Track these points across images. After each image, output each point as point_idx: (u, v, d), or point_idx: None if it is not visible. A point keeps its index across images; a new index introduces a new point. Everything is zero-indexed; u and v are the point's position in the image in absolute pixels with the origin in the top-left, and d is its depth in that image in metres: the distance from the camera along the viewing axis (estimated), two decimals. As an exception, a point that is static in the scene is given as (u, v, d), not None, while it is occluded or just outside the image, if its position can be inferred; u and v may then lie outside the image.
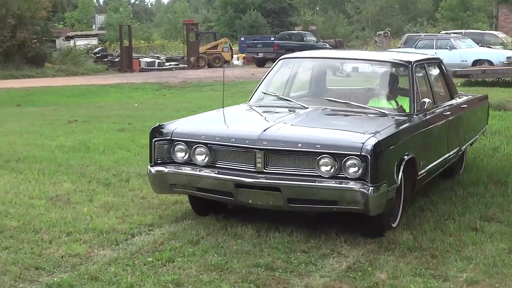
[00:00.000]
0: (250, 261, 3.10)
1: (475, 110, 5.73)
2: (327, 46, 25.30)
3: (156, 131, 3.79)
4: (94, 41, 29.65)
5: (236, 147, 3.57)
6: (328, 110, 4.24)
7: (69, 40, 27.98)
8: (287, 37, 26.75)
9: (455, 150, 4.81)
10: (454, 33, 21.01)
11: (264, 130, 3.56)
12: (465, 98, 5.52)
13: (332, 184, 3.34)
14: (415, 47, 17.24)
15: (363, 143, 3.29)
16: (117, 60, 24.47)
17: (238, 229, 3.58)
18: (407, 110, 4.23)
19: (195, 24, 27.49)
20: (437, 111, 4.53)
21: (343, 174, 3.34)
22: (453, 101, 5.06)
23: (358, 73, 5.26)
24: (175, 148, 3.69)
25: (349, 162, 3.32)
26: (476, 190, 4.73)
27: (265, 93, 4.66)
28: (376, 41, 29.52)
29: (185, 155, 3.68)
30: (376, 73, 4.97)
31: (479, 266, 3.15)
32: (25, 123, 8.57)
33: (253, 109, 4.56)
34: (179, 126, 3.84)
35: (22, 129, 7.84)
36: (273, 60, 21.70)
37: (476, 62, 16.45)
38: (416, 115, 4.14)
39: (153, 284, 2.82)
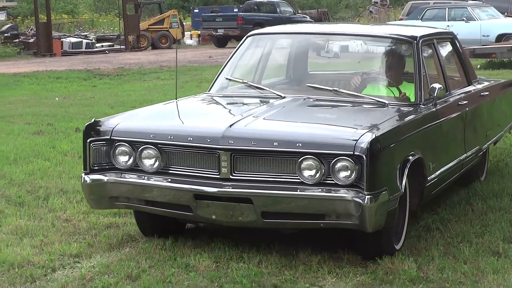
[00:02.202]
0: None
1: (499, 99, 5.78)
2: (308, 18, 27.44)
3: (92, 129, 3.81)
4: (1, 17, 30.60)
5: (195, 148, 3.60)
6: (311, 100, 4.29)
7: None
8: (255, 8, 28.63)
9: (474, 150, 4.88)
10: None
11: (230, 126, 3.58)
12: (486, 84, 5.60)
13: (317, 192, 3.36)
14: (421, 19, 18.73)
15: (357, 140, 3.29)
16: (32, 41, 24.85)
17: (191, 258, 3.58)
18: (412, 99, 4.31)
19: None
20: (451, 99, 4.61)
21: (332, 180, 3.36)
22: (471, 88, 5.15)
23: (349, 53, 5.37)
24: (117, 151, 3.73)
25: (339, 165, 3.33)
26: (499, 203, 4.74)
27: (229, 79, 4.73)
28: (371, 11, 31.25)
29: (129, 159, 3.72)
30: (371, 53, 5.10)
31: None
32: None
33: (215, 100, 4.65)
34: (121, 122, 3.87)
35: None
36: (238, 38, 23.72)
37: (501, 37, 17.33)
38: (423, 104, 4.20)
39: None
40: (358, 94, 4.33)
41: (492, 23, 18.12)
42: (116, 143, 3.74)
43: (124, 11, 25.93)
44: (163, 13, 28.54)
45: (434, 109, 4.23)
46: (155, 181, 3.68)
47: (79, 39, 25.93)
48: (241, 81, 4.67)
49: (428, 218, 4.38)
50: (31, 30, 27.05)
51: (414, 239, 4.07)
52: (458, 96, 4.81)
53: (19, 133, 7.66)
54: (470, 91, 5.10)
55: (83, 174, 3.80)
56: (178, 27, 27.59)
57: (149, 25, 27.23)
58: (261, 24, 22.21)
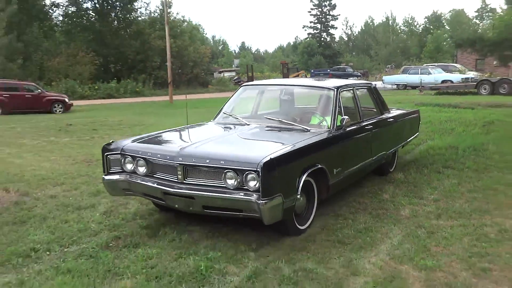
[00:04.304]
0: None
1: (404, 121, 7.77)
2: (358, 73, 46.47)
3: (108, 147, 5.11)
4: (233, 73, 57.95)
5: (163, 162, 4.70)
6: (264, 126, 5.58)
7: (221, 73, 52.01)
8: (337, 69, 50.31)
9: (380, 154, 6.62)
10: (431, 65, 36.24)
11: (183, 148, 4.66)
12: (395, 113, 7.49)
13: (236, 195, 4.28)
14: (408, 73, 33.55)
15: (259, 161, 4.16)
16: (246, 80, 43.66)
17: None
18: (329, 126, 5.55)
19: (286, 63, 50.86)
20: (362, 124, 6.12)
21: (245, 187, 4.27)
22: (381, 116, 6.84)
23: (298, 97, 6.72)
24: (125, 160, 4.99)
25: (249, 177, 4.24)
26: (439, 151, 8.93)
27: (224, 113, 6.18)
28: (386, 70, 50.08)
29: (132, 166, 4.98)
30: (311, 96, 6.62)
31: (440, 191, 6.32)
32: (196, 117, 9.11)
33: (205, 127, 6.04)
34: (128, 143, 5.12)
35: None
36: None
37: (444, 81, 30.00)
38: (335, 130, 5.47)
39: None
40: (292, 123, 5.60)
41: (440, 75, 31.22)
42: (126, 156, 4.98)
43: (283, 71, 47.09)
44: (298, 72, 50.39)
45: (340, 133, 5.48)
46: (144, 181, 4.83)
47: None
48: (229, 114, 6.09)
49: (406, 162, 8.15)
50: (245, 78, 46.75)
51: (404, 166, 7.91)
52: (367, 122, 6.28)
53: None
54: (380, 118, 6.78)
55: (103, 175, 5.12)
56: (305, 77, 46.65)
57: (290, 77, 45.27)
58: (339, 76, 40.45)
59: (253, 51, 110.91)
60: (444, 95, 25.68)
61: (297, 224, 4.86)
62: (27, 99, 22.43)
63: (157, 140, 5.36)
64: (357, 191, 6.64)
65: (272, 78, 56.48)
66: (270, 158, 4.17)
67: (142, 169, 4.88)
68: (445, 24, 77.51)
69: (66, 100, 23.64)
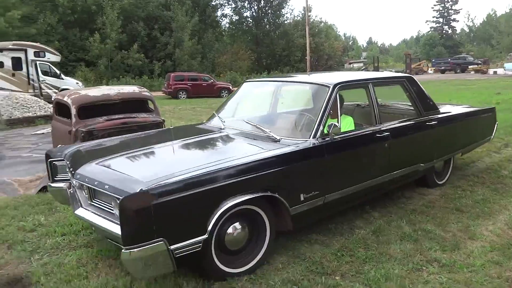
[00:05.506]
0: None
1: (463, 123, 5.08)
2: (479, 62, 41.25)
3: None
4: (361, 64, 53.72)
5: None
6: (237, 133, 3.67)
7: (350, 64, 52.44)
8: (457, 58, 46.64)
9: (408, 168, 4.21)
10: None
11: (87, 164, 3.15)
12: (447, 113, 4.84)
13: (112, 225, 2.71)
14: None
15: (132, 189, 2.48)
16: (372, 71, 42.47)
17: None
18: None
19: (409, 54, 46.26)
20: (371, 132, 3.82)
21: None
22: (420, 118, 4.40)
23: (294, 95, 4.45)
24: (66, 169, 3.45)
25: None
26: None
27: (214, 113, 4.27)
28: (508, 58, 42.34)
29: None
30: (306, 94, 4.10)
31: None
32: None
33: (165, 132, 4.26)
34: (71, 150, 3.61)
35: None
36: (449, 70, 43.31)
37: None
38: (320, 139, 3.34)
39: None
40: (265, 130, 3.48)
41: None
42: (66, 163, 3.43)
43: (405, 61, 43.45)
44: (420, 61, 46.57)
45: (322, 144, 3.32)
46: (76, 194, 3.24)
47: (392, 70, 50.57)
48: (216, 114, 4.20)
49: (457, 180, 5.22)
50: (371, 68, 43.50)
51: (457, 176, 5.24)
52: (386, 127, 3.95)
53: None
54: (409, 122, 4.33)
55: (49, 183, 3.62)
56: (426, 67, 44.73)
57: (414, 66, 43.32)
58: (459, 64, 40.13)
59: (379, 45, 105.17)
60: None
61: (220, 266, 2.90)
62: (203, 87, 24.20)
63: (93, 151, 3.67)
64: (475, 167, 5.94)
65: (396, 68, 51.38)
66: (141, 190, 2.46)
67: (74, 181, 3.26)
68: None
69: (230, 87, 25.06)
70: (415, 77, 4.85)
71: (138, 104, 6.42)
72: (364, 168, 3.77)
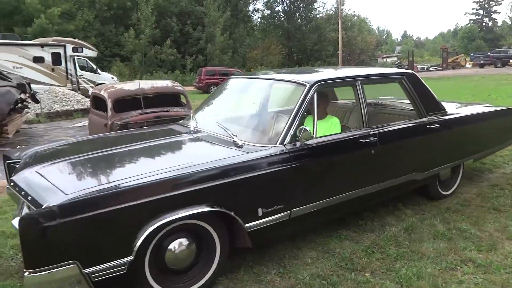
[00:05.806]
0: None
1: (474, 126, 4.41)
2: None
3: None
4: (394, 58, 52.85)
5: None
6: (204, 136, 3.31)
7: (384, 59, 51.88)
8: (498, 52, 43.65)
9: (401, 178, 3.70)
10: None
11: (24, 170, 2.84)
12: (453, 115, 4.20)
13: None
14: None
15: (47, 204, 2.23)
16: (406, 66, 38.58)
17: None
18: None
19: (446, 47, 44.90)
20: (355, 136, 3.34)
21: None
22: (419, 120, 3.87)
23: (273, 94, 3.84)
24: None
25: None
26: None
27: (191, 114, 3.89)
28: None
29: None
30: (285, 93, 3.59)
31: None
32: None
33: (136, 133, 3.86)
34: (29, 152, 3.38)
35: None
36: (489, 64, 41.22)
37: None
38: (289, 146, 2.96)
39: None
40: (232, 133, 3.08)
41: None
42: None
43: (442, 55, 42.67)
44: (458, 55, 45.15)
45: (289, 151, 2.93)
46: None
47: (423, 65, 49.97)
48: (192, 115, 3.77)
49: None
50: (406, 64, 43.05)
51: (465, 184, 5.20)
52: (374, 131, 3.46)
53: None
54: (403, 125, 3.80)
55: (7, 186, 3.14)
56: (463, 61, 43.44)
57: (451, 61, 42.29)
58: (500, 58, 38.07)
59: (414, 38, 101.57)
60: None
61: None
62: (234, 82, 24.62)
63: (48, 154, 3.35)
64: (516, 164, 5.71)
65: (432, 62, 50.27)
66: (47, 206, 2.18)
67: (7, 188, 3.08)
68: None
69: (261, 82, 25.30)
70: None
71: (171, 98, 6.56)
72: (342, 179, 3.31)
